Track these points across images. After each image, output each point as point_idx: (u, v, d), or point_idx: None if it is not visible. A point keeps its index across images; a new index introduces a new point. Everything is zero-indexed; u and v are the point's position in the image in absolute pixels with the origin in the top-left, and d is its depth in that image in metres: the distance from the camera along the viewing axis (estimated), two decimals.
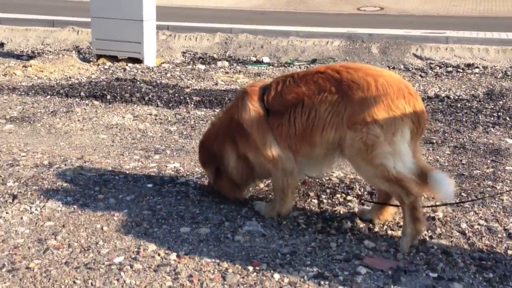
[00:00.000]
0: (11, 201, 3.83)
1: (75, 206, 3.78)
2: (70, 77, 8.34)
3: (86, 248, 3.27)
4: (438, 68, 9.80)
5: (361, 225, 3.56)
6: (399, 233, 3.42)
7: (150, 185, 4.18)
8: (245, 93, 3.48)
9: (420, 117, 3.06)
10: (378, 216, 3.49)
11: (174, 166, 4.61)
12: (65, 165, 4.52)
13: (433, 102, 6.93)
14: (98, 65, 9.65)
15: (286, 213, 3.56)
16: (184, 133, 5.63)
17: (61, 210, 3.73)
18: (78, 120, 6.03)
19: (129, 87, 7.39)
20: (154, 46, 10.59)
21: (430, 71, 9.49)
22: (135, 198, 3.94)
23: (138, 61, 10.24)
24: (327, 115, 3.10)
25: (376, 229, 3.50)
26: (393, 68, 9.74)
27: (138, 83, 7.74)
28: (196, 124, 5.93)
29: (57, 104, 6.63)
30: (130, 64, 9.60)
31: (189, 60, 11.09)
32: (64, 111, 6.29)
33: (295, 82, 3.25)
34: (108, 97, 6.84)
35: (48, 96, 6.99)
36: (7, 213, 3.67)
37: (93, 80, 8.06)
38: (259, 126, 3.33)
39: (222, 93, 7.24)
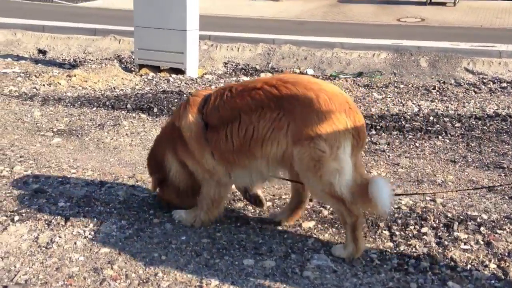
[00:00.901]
0: (63, 224, 3.64)
1: (130, 231, 3.58)
2: (114, 88, 8.21)
3: (144, 280, 3.05)
4: (491, 83, 9.35)
5: (442, 262, 3.25)
6: (485, 272, 3.10)
7: None
8: (187, 101, 3.49)
9: (360, 131, 3.11)
10: (287, 219, 3.62)
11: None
12: (117, 184, 4.33)
13: (495, 122, 6.53)
14: (141, 75, 9.53)
15: (208, 222, 3.59)
16: None
17: (115, 236, 3.52)
18: (126, 134, 5.86)
19: (176, 100, 7.20)
20: (196, 56, 10.44)
21: (483, 87, 9.05)
22: None
23: (180, 71, 10.09)
24: (267, 131, 3.11)
25: (459, 269, 3.18)
26: (444, 82, 9.34)
27: (185, 95, 7.55)
28: None
29: (103, 117, 6.49)
30: (173, 75, 9.45)
31: (231, 71, 10.90)
32: (111, 124, 6.13)
33: (232, 97, 3.24)
34: (155, 110, 6.67)
35: (94, 108, 6.86)
36: (60, 237, 3.48)
37: (139, 92, 7.91)
38: (197, 138, 3.35)
39: None
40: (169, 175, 3.64)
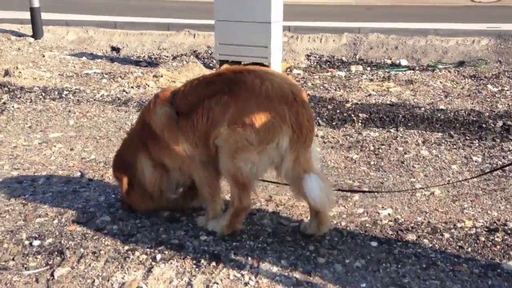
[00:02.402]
0: (214, 264, 3.10)
1: (296, 275, 3.00)
2: None
3: None
4: None
5: None
6: None
7: (374, 244, 3.34)
8: (156, 97, 3.46)
9: (303, 126, 2.99)
10: (318, 228, 3.37)
11: (388, 214, 3.74)
12: (258, 210, 3.78)
13: None
14: None
15: (220, 210, 3.48)
16: (371, 163, 4.74)
17: (282, 281, 2.95)
18: None
19: None
20: (280, 50, 9.83)
21: None
22: (366, 265, 3.10)
23: (263, 66, 9.53)
24: (218, 115, 3.10)
25: None
26: None
27: None
28: (379, 150, 5.02)
29: None
30: None
31: (314, 63, 10.23)
32: None
33: (199, 84, 3.26)
34: None
35: None
36: (216, 283, 2.94)
37: None
38: (170, 128, 3.32)
39: (389, 108, 6.28)
40: (137, 176, 3.55)
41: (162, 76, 8.05)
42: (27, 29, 13.10)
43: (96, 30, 12.66)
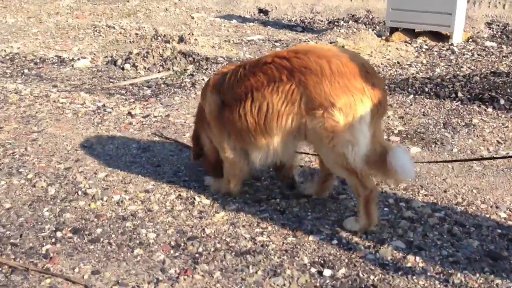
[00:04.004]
0: None
1: None
2: (398, 63, 6.74)
3: None
4: None
5: None
6: None
7: None
8: (208, 81, 3.45)
9: (381, 96, 2.86)
10: (317, 192, 3.41)
11: None
12: None
13: None
14: (407, 42, 7.96)
15: (228, 194, 3.49)
16: None
17: None
18: (486, 139, 4.38)
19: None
20: (463, 17, 8.65)
21: None
22: None
23: (439, 36, 8.44)
24: (281, 106, 2.93)
25: None
26: None
27: None
28: None
29: (436, 110, 5.06)
30: (438, 43, 7.76)
31: (498, 33, 8.93)
32: (462, 124, 4.68)
33: (245, 74, 3.09)
34: (502, 101, 5.07)
35: (411, 96, 5.45)
36: None
37: (445, 72, 6.34)
38: (215, 117, 3.29)
39: None
40: (204, 149, 3.60)
41: (342, 46, 7.18)
42: None
43: None
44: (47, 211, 3.36)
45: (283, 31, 9.63)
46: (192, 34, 6.92)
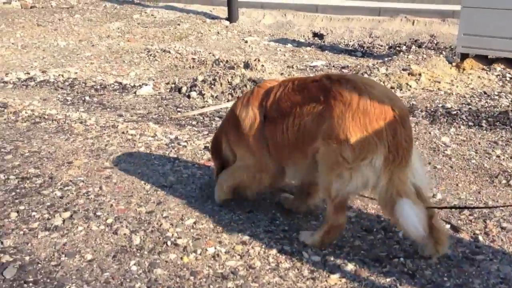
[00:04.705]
0: None
1: None
2: (485, 94, 6.21)
3: None
4: None
5: None
6: None
7: None
8: (252, 93, 3.32)
9: (400, 146, 2.73)
10: (436, 249, 2.92)
11: None
12: None
13: None
14: (485, 70, 7.42)
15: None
16: None
17: None
18: None
19: None
20: None
21: None
22: None
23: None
24: (311, 125, 2.92)
25: None
26: None
27: None
28: None
29: None
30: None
31: None
32: None
33: (293, 89, 3.07)
34: None
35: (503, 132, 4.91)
36: None
37: None
38: (254, 133, 3.20)
39: None
40: (228, 162, 3.48)
41: (419, 74, 6.69)
42: (220, 11, 12.42)
43: (295, 13, 11.63)
44: (134, 264, 2.95)
45: (342, 56, 9.21)
46: (259, 60, 6.53)
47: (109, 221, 3.40)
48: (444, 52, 9.02)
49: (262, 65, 6.58)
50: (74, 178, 4.00)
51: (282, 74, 6.74)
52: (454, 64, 8.16)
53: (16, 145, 4.65)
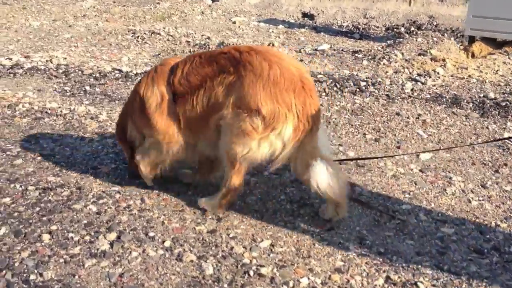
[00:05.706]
0: None
1: None
2: (510, 83, 5.88)
3: None
4: None
5: None
6: None
7: None
8: (155, 71, 3.22)
9: (309, 115, 2.84)
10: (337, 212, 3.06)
11: None
12: None
13: None
14: (502, 54, 7.12)
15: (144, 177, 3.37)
16: None
17: None
18: None
19: None
20: None
21: None
22: None
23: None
24: (222, 97, 2.92)
25: None
26: None
27: None
28: None
29: None
30: None
31: None
32: None
33: (201, 63, 3.03)
34: None
35: None
36: None
37: None
38: (162, 110, 3.12)
39: None
40: (134, 143, 3.38)
41: (443, 60, 6.30)
42: None
43: None
44: None
45: (340, 38, 8.74)
46: (273, 45, 5.96)
47: (167, 244, 2.84)
48: (446, 34, 8.71)
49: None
50: (106, 188, 3.39)
51: (301, 60, 6.20)
52: (461, 47, 7.85)
53: (23, 146, 3.96)
